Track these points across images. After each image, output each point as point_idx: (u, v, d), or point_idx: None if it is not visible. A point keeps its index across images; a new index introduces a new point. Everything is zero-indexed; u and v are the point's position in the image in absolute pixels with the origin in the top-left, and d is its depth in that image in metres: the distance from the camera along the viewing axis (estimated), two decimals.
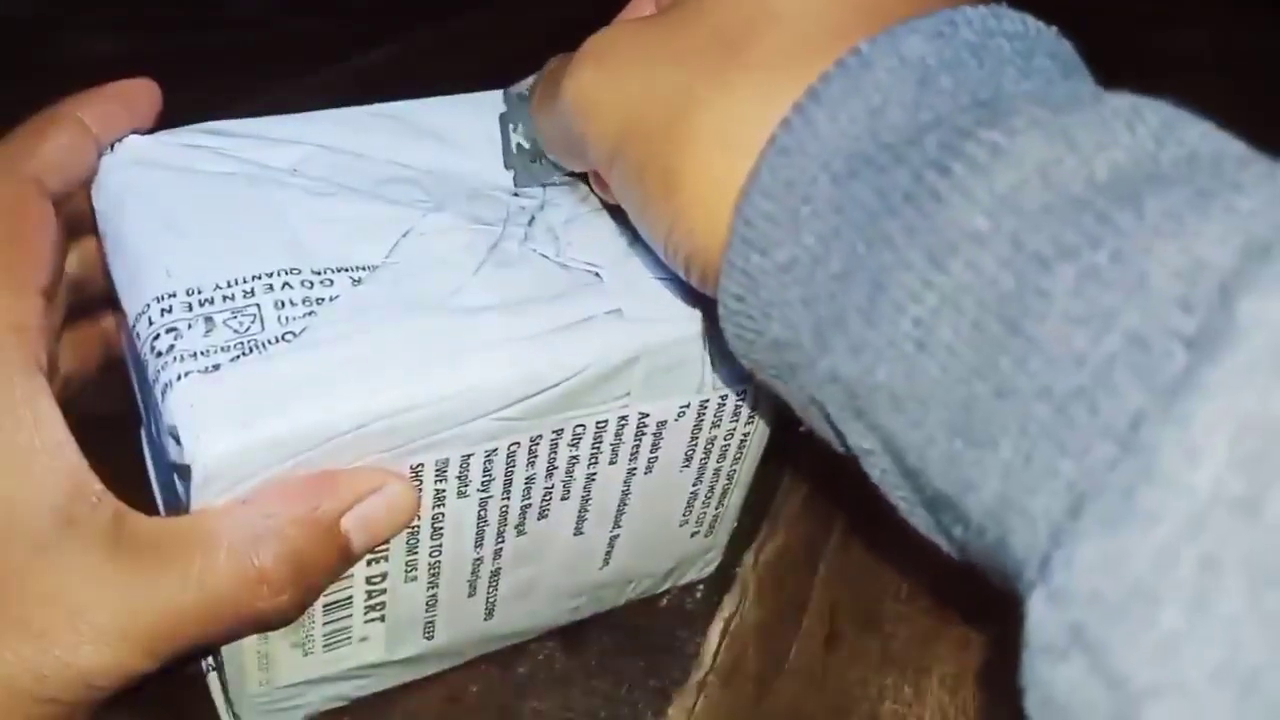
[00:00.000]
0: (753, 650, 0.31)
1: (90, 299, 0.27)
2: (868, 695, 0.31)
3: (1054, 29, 0.18)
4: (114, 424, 0.25)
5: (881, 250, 0.16)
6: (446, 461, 0.24)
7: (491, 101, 0.29)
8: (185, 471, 0.21)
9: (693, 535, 0.31)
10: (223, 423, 0.21)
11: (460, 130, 0.28)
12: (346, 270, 0.24)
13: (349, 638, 0.26)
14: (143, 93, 0.26)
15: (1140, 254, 0.14)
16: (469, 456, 0.24)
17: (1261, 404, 0.12)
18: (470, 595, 0.28)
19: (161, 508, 0.27)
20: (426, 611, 0.27)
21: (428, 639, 0.28)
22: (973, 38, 0.17)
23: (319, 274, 0.24)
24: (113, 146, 0.25)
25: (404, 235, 0.25)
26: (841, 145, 0.17)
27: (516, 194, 0.27)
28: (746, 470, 0.30)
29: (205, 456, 0.21)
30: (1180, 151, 0.15)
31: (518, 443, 0.25)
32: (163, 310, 0.22)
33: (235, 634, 0.23)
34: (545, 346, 0.23)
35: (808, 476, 0.36)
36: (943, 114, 0.16)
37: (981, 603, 0.32)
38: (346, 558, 0.23)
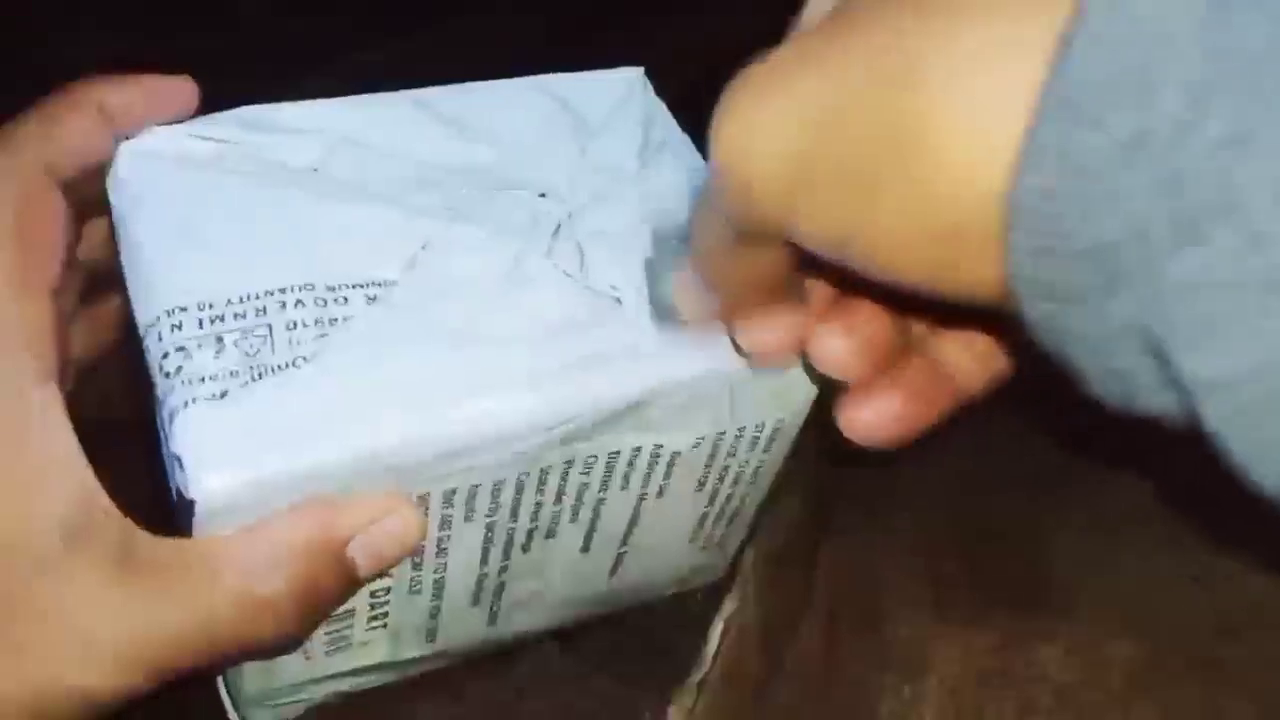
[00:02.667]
0: (753, 650, 0.31)
1: (103, 277, 0.26)
2: (867, 695, 0.31)
3: None
4: (119, 427, 0.25)
5: None
6: (454, 491, 0.23)
7: (518, 89, 0.28)
8: (189, 505, 0.21)
9: (702, 549, 0.31)
10: (228, 459, 0.20)
11: (486, 120, 0.27)
12: (362, 287, 0.23)
13: (350, 644, 0.26)
14: (175, 90, 0.25)
15: None
16: (477, 486, 0.24)
17: None
18: (474, 605, 0.28)
19: (174, 500, 0.27)
20: (429, 620, 0.27)
21: (429, 643, 0.28)
22: None
23: (333, 290, 0.23)
24: (130, 135, 0.25)
25: (422, 249, 0.24)
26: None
27: (544, 195, 0.26)
28: (760, 491, 0.30)
29: (209, 493, 0.20)
30: None
31: (527, 473, 0.24)
32: (173, 326, 0.22)
33: (238, 660, 0.23)
34: (561, 384, 0.23)
35: (808, 477, 0.36)
36: None
37: (982, 603, 0.33)
38: (352, 583, 0.23)
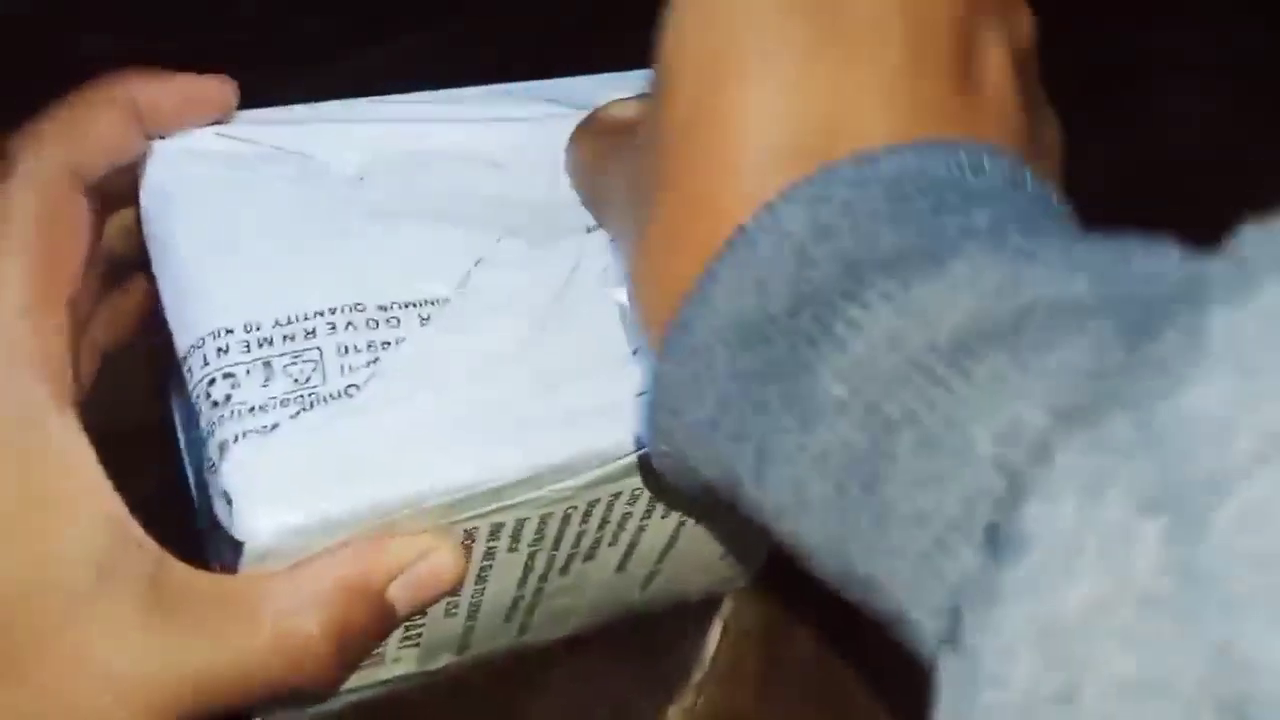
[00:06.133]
0: (753, 650, 0.31)
1: (122, 266, 0.25)
2: (867, 695, 0.31)
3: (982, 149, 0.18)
4: (134, 440, 0.24)
5: (764, 415, 0.17)
6: (501, 525, 0.23)
7: (555, 89, 0.27)
8: (236, 544, 0.20)
9: (731, 564, 0.30)
10: (278, 499, 0.20)
11: (527, 125, 0.26)
12: (414, 306, 0.22)
13: (382, 660, 0.26)
14: (212, 90, 0.24)
15: (968, 419, 0.15)
16: (524, 520, 0.23)
17: (1059, 605, 0.13)
18: (507, 621, 0.27)
19: (202, 521, 0.26)
20: (462, 637, 0.27)
21: (458, 655, 0.28)
22: (847, 195, 0.17)
23: (384, 309, 0.22)
24: (162, 137, 0.24)
25: (475, 264, 0.23)
26: (734, 318, 0.17)
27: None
28: None
29: (259, 534, 0.20)
30: (1017, 303, 0.15)
31: (575, 506, 0.24)
32: (219, 350, 0.21)
33: (276, 697, 0.22)
34: (612, 421, 0.22)
35: None
36: (818, 284, 0.17)
37: None
38: (390, 624, 0.23)
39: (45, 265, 0.21)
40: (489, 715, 0.30)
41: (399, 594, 0.22)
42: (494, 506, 0.22)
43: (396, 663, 0.26)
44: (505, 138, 0.26)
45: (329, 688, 0.22)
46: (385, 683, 0.27)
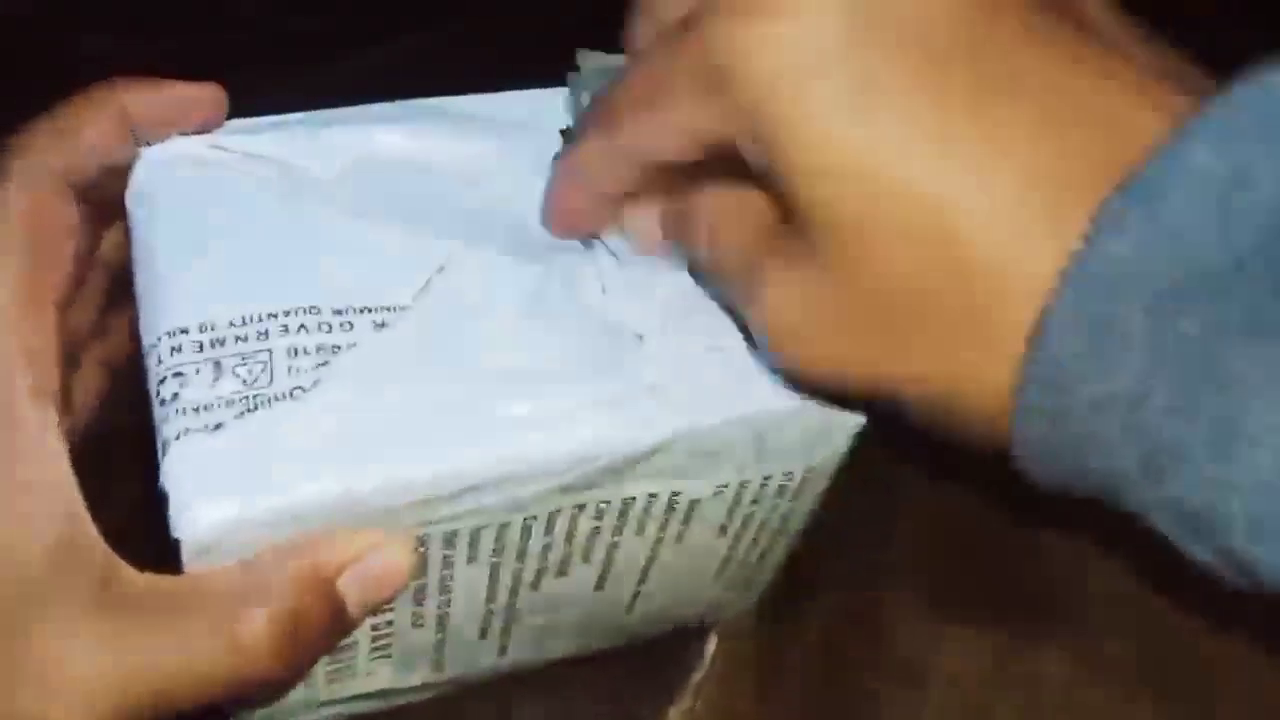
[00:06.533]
0: (753, 651, 0.31)
1: (126, 282, 0.25)
2: (867, 696, 0.31)
3: None
4: (123, 441, 0.24)
5: (1225, 386, 0.15)
6: (455, 533, 0.22)
7: (546, 98, 0.27)
8: (175, 542, 0.20)
9: (726, 588, 0.30)
10: (215, 496, 0.20)
11: (513, 132, 0.26)
12: (370, 311, 0.22)
13: (354, 673, 0.26)
14: (203, 98, 0.24)
15: None
16: (480, 529, 0.23)
17: None
18: (482, 639, 0.27)
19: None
20: (435, 653, 0.27)
21: (437, 672, 0.28)
22: (1257, 123, 0.15)
23: (340, 314, 0.22)
24: (150, 143, 0.24)
25: (438, 271, 0.23)
26: (1148, 277, 0.16)
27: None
28: (790, 535, 0.28)
29: (195, 531, 0.20)
30: None
31: (534, 517, 0.23)
32: (173, 349, 0.21)
33: (222, 700, 0.22)
34: (573, 428, 0.22)
35: None
36: (1260, 227, 0.15)
37: (982, 604, 0.33)
38: (342, 621, 0.22)
39: (32, 264, 0.21)
40: (486, 716, 0.30)
41: (350, 588, 0.22)
42: (442, 513, 0.22)
43: (371, 675, 0.26)
44: (485, 149, 0.26)
45: (281, 684, 0.22)
46: (364, 697, 0.27)
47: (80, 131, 0.23)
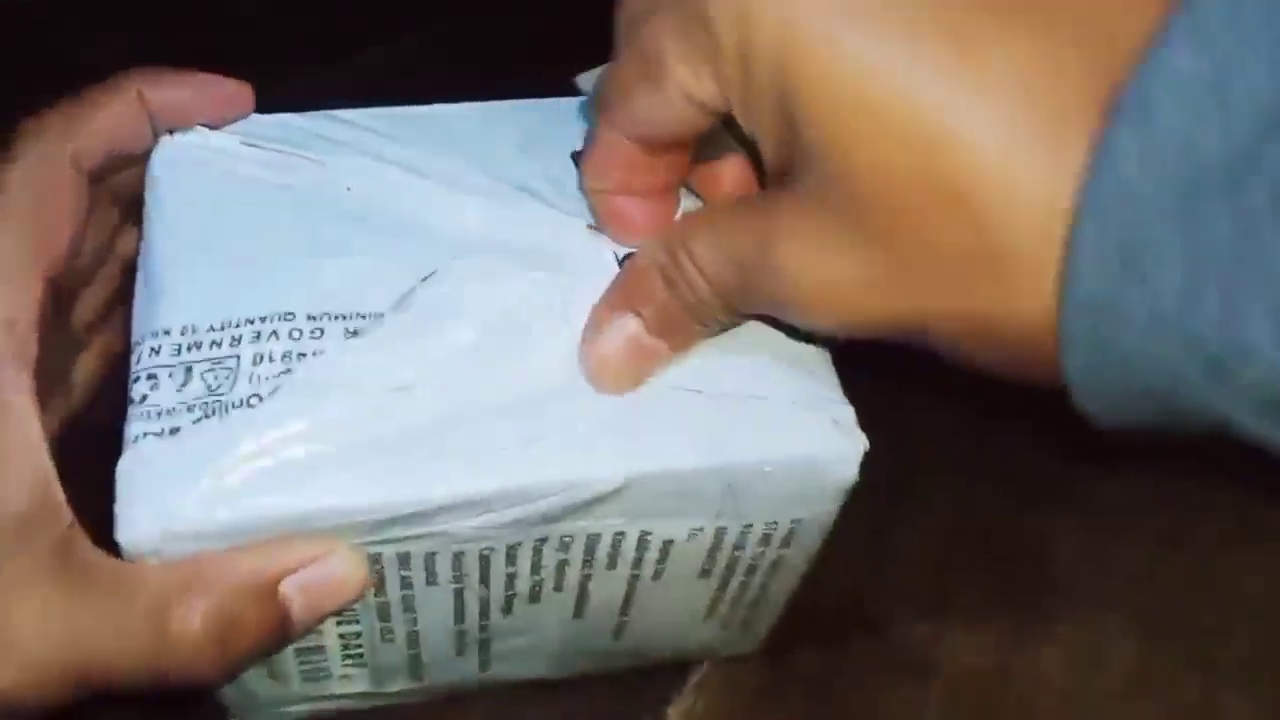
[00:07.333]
0: (752, 653, 0.31)
1: None
2: (869, 696, 0.31)
3: None
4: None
5: (1273, 272, 0.15)
6: (407, 555, 0.22)
7: (547, 109, 0.27)
8: (115, 545, 0.20)
9: (723, 629, 0.29)
10: (157, 504, 0.20)
11: (518, 143, 0.26)
12: (344, 318, 0.22)
13: (329, 675, 0.26)
14: (229, 92, 0.24)
15: None
16: (433, 554, 0.22)
17: None
18: (459, 655, 0.27)
19: None
20: (411, 665, 0.26)
21: (417, 681, 0.27)
22: (1228, 13, 0.15)
23: (313, 319, 0.22)
24: (171, 132, 0.24)
25: (423, 280, 0.22)
26: (1162, 189, 0.16)
27: (592, 225, 0.24)
28: (788, 580, 0.27)
29: (133, 536, 0.20)
30: None
31: (492, 547, 0.22)
32: (152, 350, 0.21)
33: (158, 685, 0.22)
34: (527, 460, 0.21)
35: None
36: (1259, 113, 0.15)
37: (983, 604, 0.33)
38: (286, 628, 0.22)
39: (29, 237, 0.22)
40: (486, 716, 0.30)
41: (294, 595, 0.21)
42: (386, 535, 0.21)
43: (346, 679, 0.26)
44: (483, 159, 0.25)
45: (210, 681, 0.22)
46: (345, 697, 0.27)
47: (92, 116, 0.23)
